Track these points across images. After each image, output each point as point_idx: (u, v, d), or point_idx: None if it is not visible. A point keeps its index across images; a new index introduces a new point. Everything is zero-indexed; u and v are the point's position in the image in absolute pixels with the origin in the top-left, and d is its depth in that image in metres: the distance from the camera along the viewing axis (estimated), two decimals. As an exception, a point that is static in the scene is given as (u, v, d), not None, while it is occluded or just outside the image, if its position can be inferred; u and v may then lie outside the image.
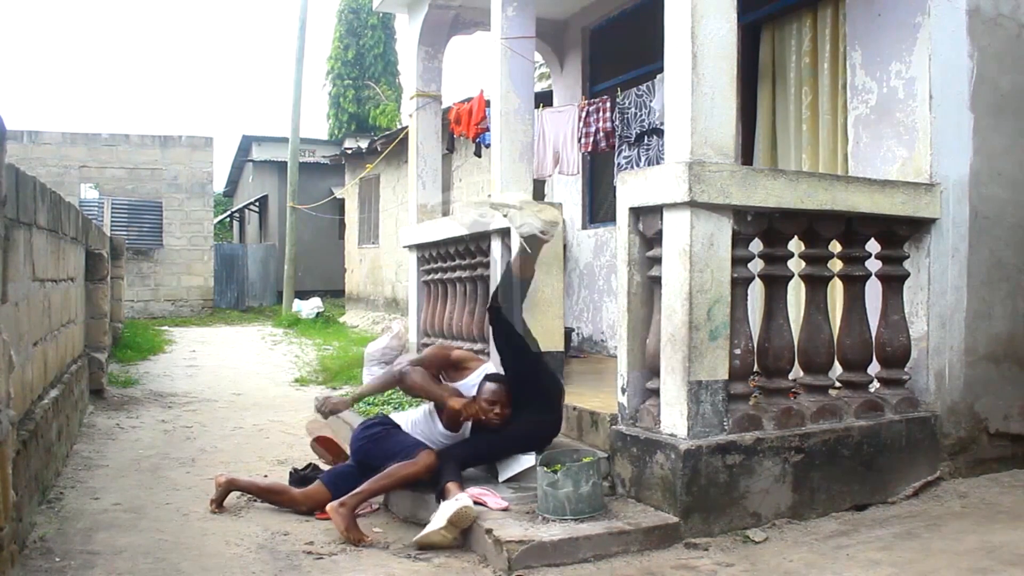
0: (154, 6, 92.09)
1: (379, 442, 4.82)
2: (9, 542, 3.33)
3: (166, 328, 17.73)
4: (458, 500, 4.09)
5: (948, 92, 4.89)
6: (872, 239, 4.84)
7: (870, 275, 4.83)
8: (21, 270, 4.11)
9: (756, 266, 4.57)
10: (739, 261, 4.31)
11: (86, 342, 8.30)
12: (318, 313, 19.22)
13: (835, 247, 4.80)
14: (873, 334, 4.85)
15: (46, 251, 5.11)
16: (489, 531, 3.94)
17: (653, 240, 4.42)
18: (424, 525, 4.24)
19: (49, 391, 5.26)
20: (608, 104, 7.91)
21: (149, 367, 11.36)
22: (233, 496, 5.02)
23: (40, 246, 4.82)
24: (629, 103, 7.64)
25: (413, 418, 4.99)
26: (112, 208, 20.69)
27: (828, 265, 4.74)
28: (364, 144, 18.78)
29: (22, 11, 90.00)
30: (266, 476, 5.56)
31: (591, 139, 8.03)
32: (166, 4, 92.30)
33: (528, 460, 4.65)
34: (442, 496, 4.30)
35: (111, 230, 18.84)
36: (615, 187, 4.66)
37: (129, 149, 20.97)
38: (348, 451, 5.14)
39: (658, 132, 7.14)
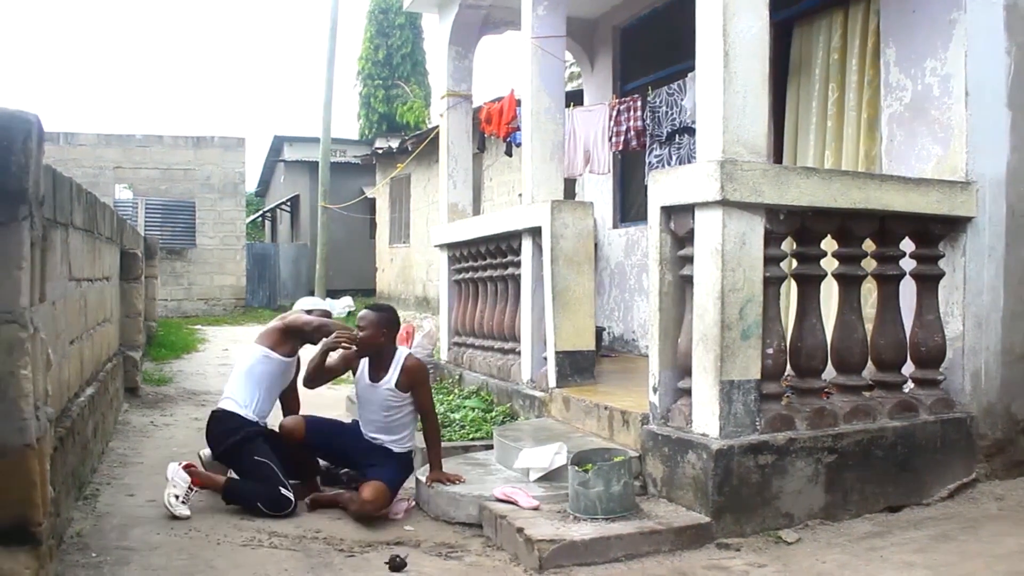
0: (189, 8, 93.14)
1: None
2: (47, 537, 3.38)
3: (199, 327, 17.91)
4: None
5: (984, 89, 4.82)
6: (906, 238, 4.79)
7: (904, 274, 4.77)
8: (58, 269, 4.16)
9: (788, 265, 4.54)
10: (771, 260, 4.28)
11: (121, 340, 8.41)
12: (349, 312, 19.30)
13: (869, 246, 4.74)
14: (907, 334, 4.79)
15: (82, 251, 5.18)
16: (520, 530, 3.95)
17: (685, 239, 4.40)
18: (455, 523, 4.43)
19: (85, 389, 5.33)
20: (639, 103, 7.88)
21: (183, 365, 11.47)
22: None
23: (76, 246, 4.89)
24: (660, 102, 7.61)
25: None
26: (146, 208, 20.91)
27: (862, 264, 4.70)
28: (395, 144, 18.83)
29: (59, 15, 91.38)
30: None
31: (622, 138, 8.01)
32: (201, 6, 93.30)
33: (560, 459, 4.64)
34: None
35: (145, 230, 19.04)
36: (646, 186, 4.64)
37: (162, 150, 21.18)
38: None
39: (689, 131, 7.10)
